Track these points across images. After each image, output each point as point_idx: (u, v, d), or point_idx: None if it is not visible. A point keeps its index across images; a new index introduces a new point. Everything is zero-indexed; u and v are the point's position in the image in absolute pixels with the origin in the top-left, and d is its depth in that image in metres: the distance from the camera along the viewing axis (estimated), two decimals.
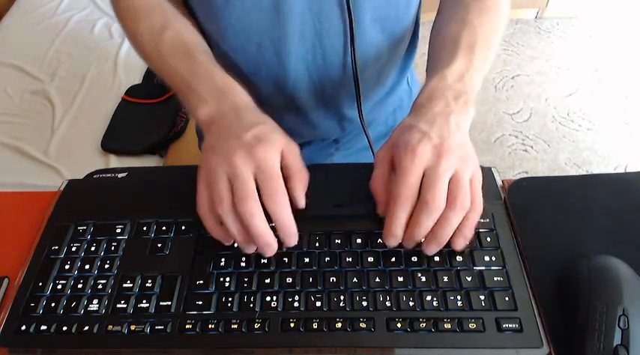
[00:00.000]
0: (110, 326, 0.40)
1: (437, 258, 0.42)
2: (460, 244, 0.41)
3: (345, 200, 0.42)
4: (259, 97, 0.47)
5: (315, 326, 0.39)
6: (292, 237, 0.40)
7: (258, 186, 0.38)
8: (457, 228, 0.40)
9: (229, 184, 0.39)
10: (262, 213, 0.38)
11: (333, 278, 0.41)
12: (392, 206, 0.39)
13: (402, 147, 0.40)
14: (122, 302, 0.41)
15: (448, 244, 0.41)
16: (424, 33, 0.56)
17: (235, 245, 0.42)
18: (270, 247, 0.40)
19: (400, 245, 0.41)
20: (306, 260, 0.42)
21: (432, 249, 0.40)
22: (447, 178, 0.38)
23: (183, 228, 0.46)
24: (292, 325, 0.39)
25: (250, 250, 0.41)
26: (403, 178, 0.39)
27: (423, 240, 0.40)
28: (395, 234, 0.40)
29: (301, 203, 0.42)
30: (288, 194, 0.40)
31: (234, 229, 0.39)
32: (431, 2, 0.60)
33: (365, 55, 0.56)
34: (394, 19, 0.55)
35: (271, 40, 0.53)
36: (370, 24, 0.53)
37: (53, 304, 0.42)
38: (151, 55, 0.50)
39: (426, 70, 0.51)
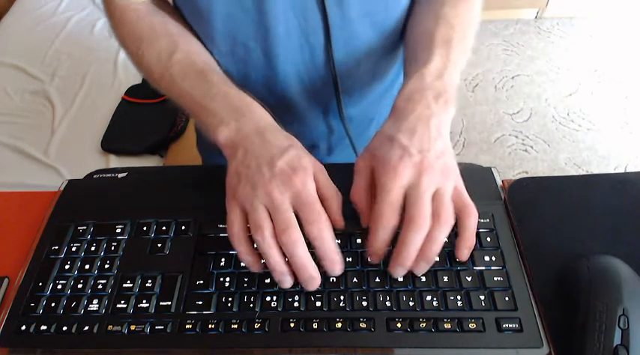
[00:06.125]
0: (110, 326, 0.40)
1: (437, 258, 0.41)
2: (465, 254, 0.41)
3: (344, 200, 0.42)
4: None
5: (315, 326, 0.39)
6: (337, 265, 0.39)
7: (296, 215, 0.38)
8: (459, 239, 0.40)
9: (268, 213, 0.38)
10: (304, 242, 0.38)
11: (333, 279, 0.41)
12: (373, 224, 0.39)
13: (381, 163, 0.40)
14: (122, 302, 0.41)
15: (449, 245, 0.41)
16: None
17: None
18: (314, 280, 0.39)
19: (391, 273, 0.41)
20: None
21: (421, 268, 0.40)
22: (429, 195, 0.38)
23: (183, 228, 0.46)
24: (292, 325, 0.39)
25: (288, 284, 0.40)
26: (385, 197, 0.39)
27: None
28: (377, 252, 0.40)
29: (340, 224, 0.41)
30: None
31: (274, 258, 0.38)
32: None
33: (357, 51, 0.56)
34: (384, 12, 0.55)
35: (257, 41, 0.52)
36: (358, 19, 0.52)
37: (53, 304, 0.42)
38: (160, 79, 0.49)
39: (404, 68, 0.51)
